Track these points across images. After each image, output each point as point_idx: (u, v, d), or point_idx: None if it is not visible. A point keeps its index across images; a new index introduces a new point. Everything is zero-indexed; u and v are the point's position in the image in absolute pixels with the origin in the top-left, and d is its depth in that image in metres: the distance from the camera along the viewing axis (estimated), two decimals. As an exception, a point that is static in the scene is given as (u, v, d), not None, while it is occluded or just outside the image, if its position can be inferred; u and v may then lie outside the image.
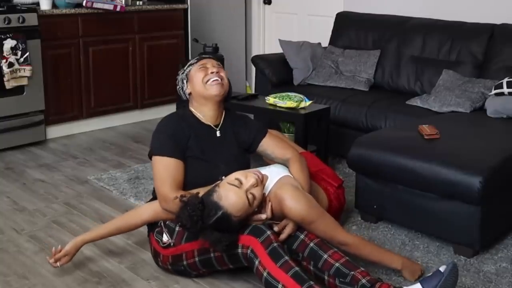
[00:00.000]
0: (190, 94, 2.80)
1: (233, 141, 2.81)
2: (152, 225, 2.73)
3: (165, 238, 2.62)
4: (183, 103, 2.89)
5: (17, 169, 4.11)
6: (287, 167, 2.83)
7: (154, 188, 2.74)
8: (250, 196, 2.42)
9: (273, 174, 2.71)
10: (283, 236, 2.51)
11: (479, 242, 2.85)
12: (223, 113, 2.84)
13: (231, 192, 2.41)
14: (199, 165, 2.68)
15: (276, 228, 2.53)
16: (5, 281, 2.66)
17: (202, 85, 2.73)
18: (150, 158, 2.72)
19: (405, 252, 2.93)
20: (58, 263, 2.64)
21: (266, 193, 2.60)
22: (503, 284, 2.65)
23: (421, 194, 2.98)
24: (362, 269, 2.43)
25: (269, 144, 2.85)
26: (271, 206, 2.55)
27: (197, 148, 2.69)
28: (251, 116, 4.51)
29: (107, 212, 3.40)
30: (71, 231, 3.15)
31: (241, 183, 2.44)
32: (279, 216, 2.57)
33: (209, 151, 2.72)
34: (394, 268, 2.63)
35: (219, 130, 2.79)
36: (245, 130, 2.84)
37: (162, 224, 2.66)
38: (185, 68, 2.84)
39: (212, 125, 2.78)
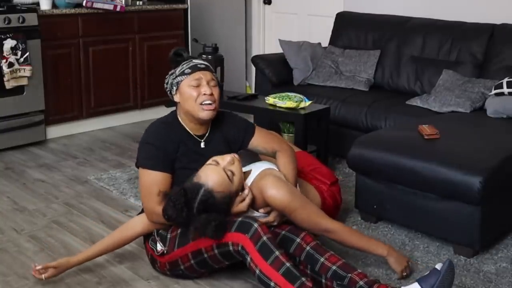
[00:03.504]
0: (178, 102, 2.71)
1: (220, 149, 2.72)
2: (147, 234, 2.73)
3: (159, 247, 2.62)
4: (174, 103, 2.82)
5: (17, 169, 4.11)
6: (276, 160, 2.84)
7: None
8: (228, 172, 2.48)
9: (257, 167, 2.74)
10: (270, 218, 2.56)
11: (479, 242, 2.85)
12: (209, 123, 2.76)
13: (209, 170, 2.48)
14: (188, 175, 2.61)
15: (262, 210, 2.58)
16: (5, 281, 2.66)
17: (193, 105, 2.63)
18: (137, 167, 2.68)
19: (405, 252, 2.93)
20: (43, 275, 2.57)
21: (248, 184, 2.61)
22: (503, 284, 2.65)
23: (421, 194, 2.98)
24: (359, 270, 2.42)
25: (258, 140, 2.81)
26: (249, 187, 2.59)
27: (184, 159, 2.64)
28: (251, 116, 4.53)
29: (107, 212, 3.40)
30: (71, 231, 3.16)
31: (217, 163, 2.51)
32: (263, 207, 2.60)
33: (195, 161, 2.65)
34: (379, 254, 2.61)
35: (203, 141, 2.72)
36: (233, 131, 2.78)
37: (155, 233, 2.66)
38: (176, 72, 2.68)
39: (197, 136, 2.71)
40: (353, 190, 3.36)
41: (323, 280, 2.43)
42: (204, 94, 2.61)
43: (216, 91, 2.66)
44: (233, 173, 2.49)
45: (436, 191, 2.91)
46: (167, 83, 2.73)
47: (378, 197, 3.16)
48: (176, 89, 2.68)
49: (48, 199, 3.59)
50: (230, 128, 2.79)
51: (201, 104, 2.62)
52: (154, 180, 2.58)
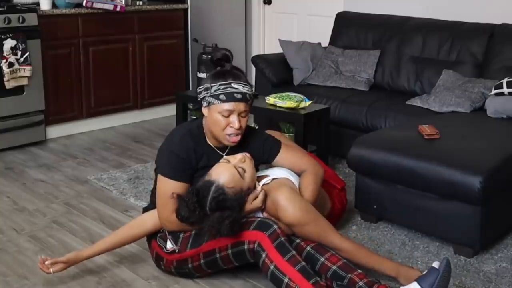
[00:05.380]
0: (205, 116, 2.61)
1: None
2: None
3: (169, 245, 2.62)
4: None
5: (17, 169, 4.11)
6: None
7: (152, 192, 2.73)
8: (239, 169, 2.48)
9: (273, 172, 2.73)
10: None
11: (479, 242, 2.85)
12: None
13: (219, 168, 2.50)
14: None
15: (265, 214, 2.56)
16: (5, 281, 2.66)
17: (219, 131, 2.55)
18: (156, 173, 2.63)
19: (405, 252, 2.93)
20: (51, 269, 2.57)
21: (261, 184, 2.61)
22: (503, 284, 2.65)
23: (421, 194, 2.98)
24: (359, 271, 2.42)
25: (284, 159, 2.74)
26: (264, 189, 2.58)
27: (205, 170, 2.59)
28: (251, 116, 4.52)
29: (107, 212, 3.40)
30: (71, 231, 3.16)
31: (228, 161, 2.52)
32: (274, 217, 2.57)
33: None
34: (388, 275, 2.55)
35: (225, 155, 2.66)
36: (258, 147, 2.71)
37: (166, 231, 2.65)
38: (211, 90, 2.52)
39: (219, 150, 2.66)
40: (353, 190, 3.36)
41: (323, 280, 2.42)
42: (231, 126, 2.53)
43: (244, 121, 2.57)
44: (244, 170, 2.50)
45: (436, 191, 2.91)
46: (200, 91, 2.59)
47: (378, 197, 3.16)
48: (206, 106, 2.57)
49: (48, 199, 3.59)
50: (255, 144, 2.71)
51: (226, 134, 2.56)
52: (172, 189, 2.54)
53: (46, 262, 2.57)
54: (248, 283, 2.65)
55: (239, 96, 2.52)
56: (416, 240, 3.05)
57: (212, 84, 2.54)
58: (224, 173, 2.47)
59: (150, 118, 5.41)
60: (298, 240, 2.53)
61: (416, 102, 4.04)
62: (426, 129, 3.18)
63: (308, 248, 2.50)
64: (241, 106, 2.54)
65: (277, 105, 3.83)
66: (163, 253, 2.64)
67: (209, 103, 2.54)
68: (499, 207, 2.95)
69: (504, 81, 3.66)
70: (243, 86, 2.55)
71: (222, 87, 2.52)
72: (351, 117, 4.13)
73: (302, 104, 3.81)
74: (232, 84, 2.53)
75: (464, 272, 2.74)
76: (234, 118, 2.52)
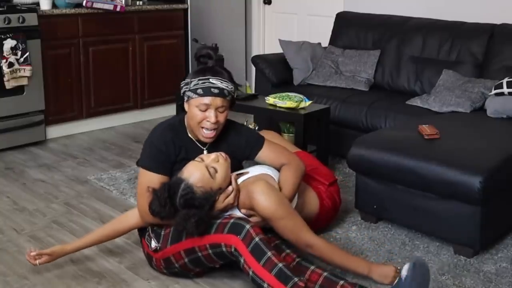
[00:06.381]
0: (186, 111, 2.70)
1: None
2: (143, 230, 2.76)
3: (153, 243, 2.65)
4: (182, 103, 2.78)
5: (17, 169, 4.11)
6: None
7: None
8: (211, 169, 2.50)
9: (254, 169, 2.75)
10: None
11: (479, 242, 2.85)
12: None
13: (190, 166, 2.53)
14: None
15: (243, 211, 2.59)
16: (5, 281, 2.66)
17: (196, 125, 2.62)
18: (138, 165, 2.71)
19: (405, 252, 2.93)
20: (37, 261, 2.63)
21: (239, 182, 2.63)
22: (503, 284, 2.65)
23: (421, 194, 2.98)
24: (342, 283, 2.37)
25: (266, 155, 2.78)
26: (235, 177, 2.60)
27: (184, 163, 2.62)
28: (251, 116, 4.53)
29: (107, 212, 3.40)
30: (71, 231, 3.16)
31: (202, 160, 2.55)
32: (250, 209, 2.59)
33: None
34: (360, 273, 2.53)
35: (206, 149, 2.71)
36: (241, 143, 2.75)
37: (149, 229, 2.68)
38: (190, 85, 2.61)
39: (200, 144, 2.71)
40: (353, 190, 3.36)
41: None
42: (208, 121, 2.59)
43: (222, 116, 2.62)
44: (215, 170, 2.52)
45: (436, 191, 2.91)
46: (182, 86, 2.68)
47: (378, 197, 3.16)
48: (186, 101, 2.65)
49: (48, 199, 3.59)
50: (237, 139, 2.76)
51: (202, 127, 2.62)
52: (151, 181, 2.60)
53: (31, 254, 2.63)
54: (249, 283, 2.64)
55: (216, 91, 2.58)
56: (416, 240, 3.05)
57: (192, 79, 2.62)
58: (195, 172, 2.49)
59: (150, 118, 5.41)
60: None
61: (416, 102, 4.04)
62: (426, 129, 3.19)
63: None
64: (218, 101, 2.59)
65: (277, 105, 3.83)
66: (150, 252, 2.67)
67: (188, 97, 2.63)
68: (499, 207, 2.95)
69: (504, 81, 3.66)
70: (221, 82, 2.61)
71: (200, 82, 2.60)
72: (351, 117, 4.13)
73: (302, 104, 3.81)
74: (210, 80, 2.60)
75: (464, 272, 2.74)
76: (211, 113, 2.59)
